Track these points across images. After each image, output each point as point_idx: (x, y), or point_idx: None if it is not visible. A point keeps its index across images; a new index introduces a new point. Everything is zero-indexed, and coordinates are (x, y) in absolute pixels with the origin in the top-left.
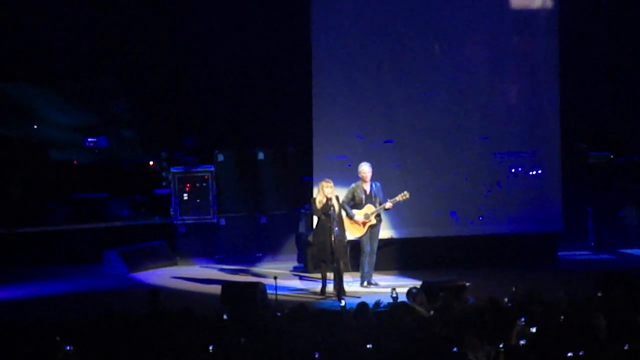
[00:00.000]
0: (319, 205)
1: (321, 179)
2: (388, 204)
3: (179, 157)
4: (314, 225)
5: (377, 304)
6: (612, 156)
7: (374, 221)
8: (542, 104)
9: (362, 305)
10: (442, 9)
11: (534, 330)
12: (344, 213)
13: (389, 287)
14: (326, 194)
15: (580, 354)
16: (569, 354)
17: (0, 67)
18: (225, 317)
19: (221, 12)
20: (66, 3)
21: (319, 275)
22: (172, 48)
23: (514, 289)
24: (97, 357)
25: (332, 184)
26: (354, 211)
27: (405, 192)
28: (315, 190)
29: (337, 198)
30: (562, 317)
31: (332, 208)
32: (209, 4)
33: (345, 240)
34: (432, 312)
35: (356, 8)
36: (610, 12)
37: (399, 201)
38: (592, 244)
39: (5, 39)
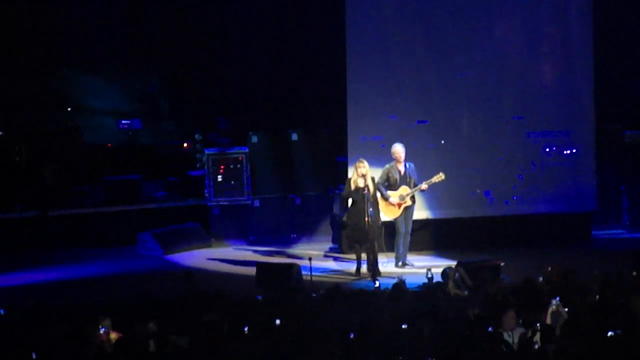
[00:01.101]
0: (352, 186)
1: (356, 160)
2: (423, 186)
3: (213, 138)
4: (348, 206)
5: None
6: None
7: (409, 202)
8: (576, 84)
9: (398, 285)
10: None
11: (566, 310)
12: (378, 194)
13: (424, 267)
14: (360, 174)
15: (618, 332)
16: (609, 333)
17: (35, 53)
18: (259, 298)
19: None
20: None
21: (353, 256)
22: (206, 30)
23: (548, 269)
24: (132, 337)
25: (366, 164)
26: (389, 192)
27: (441, 174)
28: (350, 171)
29: (372, 179)
30: (597, 297)
31: (366, 188)
32: None
33: (380, 222)
34: (467, 292)
35: None
36: None
37: (434, 182)
38: (627, 223)
39: (39, 26)
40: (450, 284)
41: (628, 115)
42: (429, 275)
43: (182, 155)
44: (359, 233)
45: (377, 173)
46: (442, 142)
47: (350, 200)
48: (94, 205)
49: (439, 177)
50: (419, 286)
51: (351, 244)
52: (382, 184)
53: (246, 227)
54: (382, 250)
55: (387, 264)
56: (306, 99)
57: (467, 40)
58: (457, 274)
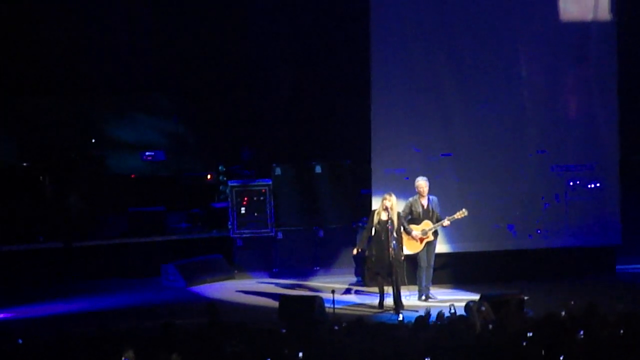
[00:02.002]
0: (376, 218)
1: (379, 192)
2: (446, 222)
3: (237, 170)
4: (366, 237)
5: (428, 314)
6: None
7: (431, 237)
8: (600, 117)
9: (421, 318)
10: (500, 22)
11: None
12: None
13: (447, 301)
14: (384, 206)
15: None
16: None
17: (61, 80)
18: (283, 331)
19: (279, 26)
20: (126, 20)
21: (376, 289)
22: (231, 62)
23: (572, 303)
24: None
25: (394, 197)
26: (411, 226)
27: (464, 210)
28: (374, 204)
29: (398, 214)
30: (621, 331)
31: (390, 221)
32: (267, 19)
33: (402, 255)
34: (490, 326)
35: (415, 22)
36: None
37: (456, 219)
38: None
39: (64, 54)
40: (475, 317)
41: None
42: (452, 311)
43: (206, 186)
44: (382, 265)
45: (400, 206)
46: (466, 174)
47: (373, 232)
48: (117, 237)
49: (462, 213)
50: (442, 319)
51: (373, 276)
52: (405, 218)
53: (269, 259)
54: (403, 283)
55: (409, 297)
56: (330, 130)
57: (491, 72)
58: (482, 307)
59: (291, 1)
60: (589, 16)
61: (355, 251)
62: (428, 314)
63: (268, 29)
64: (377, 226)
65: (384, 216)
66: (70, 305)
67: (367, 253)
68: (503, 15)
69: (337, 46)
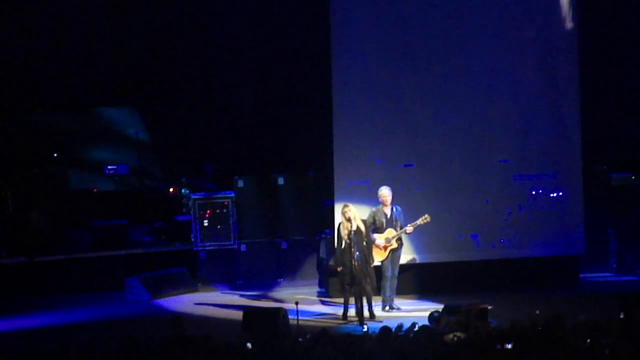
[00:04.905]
0: (345, 231)
1: (342, 204)
2: (409, 228)
3: (199, 183)
4: (336, 249)
5: (400, 327)
6: (633, 177)
7: (395, 245)
8: (562, 126)
9: (385, 329)
10: (462, 32)
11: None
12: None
13: (411, 311)
14: (347, 217)
15: None
16: None
17: (21, 96)
18: (248, 345)
19: (241, 40)
20: (85, 35)
21: (340, 300)
22: (192, 75)
23: (537, 312)
24: None
25: (352, 207)
26: (375, 235)
27: (426, 216)
28: (337, 216)
29: (363, 222)
30: (587, 341)
31: (352, 232)
32: (229, 32)
33: (368, 265)
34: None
35: (376, 33)
36: (632, 34)
37: (419, 225)
38: (615, 266)
39: (23, 69)
40: (440, 327)
41: (614, 158)
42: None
43: (169, 200)
44: (346, 276)
45: (364, 216)
46: (429, 185)
47: (343, 244)
48: (80, 251)
49: (424, 219)
50: (406, 330)
51: (342, 287)
52: (369, 227)
53: (233, 272)
54: (373, 294)
55: (373, 308)
56: (293, 143)
57: (453, 84)
58: (450, 317)
59: (253, 16)
60: (552, 25)
61: (339, 269)
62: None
63: (230, 43)
64: (346, 239)
65: (349, 227)
66: (33, 320)
67: (331, 264)
68: (465, 26)
69: (299, 59)
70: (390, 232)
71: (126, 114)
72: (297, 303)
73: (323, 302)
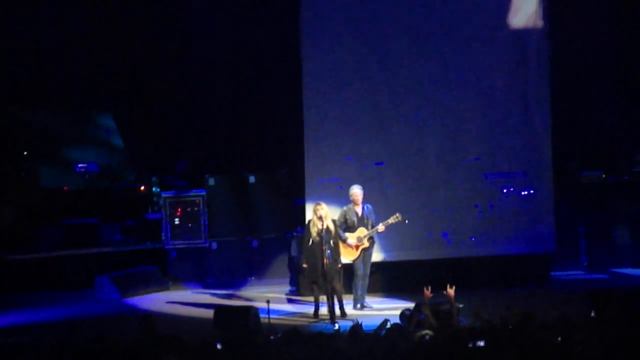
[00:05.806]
0: (314, 229)
1: (313, 202)
2: (380, 227)
3: (170, 181)
4: (303, 246)
5: (385, 323)
6: (604, 176)
7: (366, 244)
8: (533, 124)
9: (355, 327)
10: (433, 31)
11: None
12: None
13: (383, 309)
14: (318, 215)
15: None
16: None
17: None
18: (218, 344)
19: (212, 37)
20: (56, 33)
21: (311, 299)
22: (163, 73)
23: (508, 310)
24: None
25: (324, 206)
26: (347, 234)
27: (398, 214)
28: (308, 214)
29: (333, 221)
30: (558, 339)
31: (323, 231)
32: (200, 29)
33: (339, 264)
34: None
35: (347, 31)
36: (602, 32)
37: (391, 223)
38: (585, 263)
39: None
40: (412, 325)
41: (584, 156)
42: (387, 325)
43: (139, 198)
44: (317, 275)
45: (335, 215)
46: (400, 183)
47: (310, 242)
48: (51, 249)
49: (396, 217)
50: (377, 327)
51: (309, 285)
52: (340, 226)
53: (204, 270)
54: (342, 292)
55: (344, 306)
56: (264, 141)
57: (424, 82)
58: (421, 315)
59: (223, 14)
60: (522, 24)
61: (304, 265)
62: (360, 324)
63: (201, 42)
64: (315, 237)
65: (319, 225)
66: (2, 318)
67: (302, 262)
68: (438, 23)
69: (270, 57)
70: (361, 231)
71: (97, 113)
72: (268, 301)
73: (294, 301)
